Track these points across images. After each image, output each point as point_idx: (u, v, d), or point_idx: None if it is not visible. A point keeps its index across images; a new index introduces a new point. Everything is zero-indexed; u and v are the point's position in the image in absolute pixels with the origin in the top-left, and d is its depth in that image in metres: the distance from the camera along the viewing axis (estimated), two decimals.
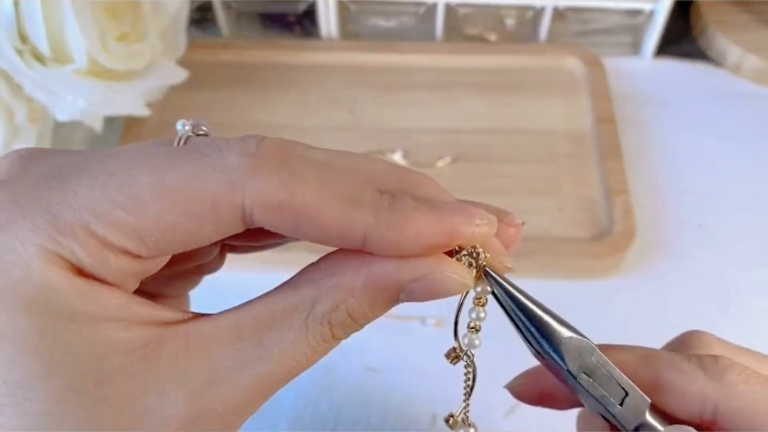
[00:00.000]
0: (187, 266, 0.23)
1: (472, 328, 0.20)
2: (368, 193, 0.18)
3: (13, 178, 0.18)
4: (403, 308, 0.41)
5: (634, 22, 0.57)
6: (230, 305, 0.19)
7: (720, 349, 0.23)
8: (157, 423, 0.17)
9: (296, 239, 0.22)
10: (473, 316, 0.20)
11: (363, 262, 0.18)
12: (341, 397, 0.38)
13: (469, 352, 0.20)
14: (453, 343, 0.20)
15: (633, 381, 0.21)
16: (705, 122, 0.53)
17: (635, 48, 0.58)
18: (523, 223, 0.20)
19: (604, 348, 0.22)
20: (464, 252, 0.19)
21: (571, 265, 0.43)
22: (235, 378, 0.18)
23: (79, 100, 0.41)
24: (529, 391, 0.24)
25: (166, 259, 0.19)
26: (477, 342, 0.20)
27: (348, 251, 0.18)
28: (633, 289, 0.43)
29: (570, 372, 0.20)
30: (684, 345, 0.24)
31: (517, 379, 0.25)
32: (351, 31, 0.59)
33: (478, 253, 0.19)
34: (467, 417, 0.21)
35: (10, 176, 0.18)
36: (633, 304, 0.43)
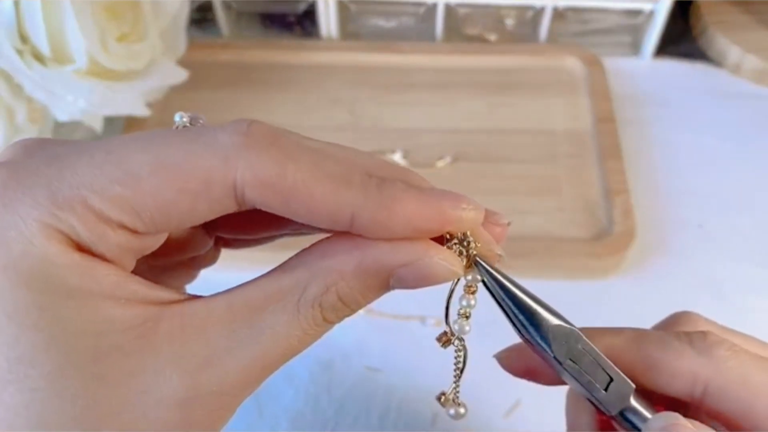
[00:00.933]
0: (182, 257, 0.23)
1: (462, 314, 0.20)
2: (358, 174, 0.18)
3: (17, 160, 0.18)
4: (403, 308, 0.41)
5: (634, 22, 0.57)
6: None
7: (707, 328, 0.23)
8: (153, 402, 0.17)
9: (288, 234, 0.23)
10: (463, 303, 0.20)
11: (354, 246, 0.18)
12: (341, 396, 0.38)
13: (459, 337, 0.21)
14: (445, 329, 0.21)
15: (623, 363, 0.21)
16: (705, 122, 0.53)
17: (635, 48, 0.58)
18: (509, 223, 0.21)
19: (595, 332, 0.22)
20: (455, 240, 0.19)
21: (571, 265, 0.43)
22: (230, 359, 0.18)
23: (79, 100, 0.41)
24: (516, 364, 0.24)
25: (162, 238, 0.19)
26: (467, 328, 0.20)
27: (341, 236, 0.19)
28: (633, 289, 0.43)
29: (556, 358, 0.21)
30: (672, 325, 0.24)
31: (505, 350, 0.25)
32: (351, 31, 0.59)
33: (468, 242, 0.19)
34: (457, 397, 0.21)
35: (14, 159, 0.18)
36: (633, 304, 0.43)
